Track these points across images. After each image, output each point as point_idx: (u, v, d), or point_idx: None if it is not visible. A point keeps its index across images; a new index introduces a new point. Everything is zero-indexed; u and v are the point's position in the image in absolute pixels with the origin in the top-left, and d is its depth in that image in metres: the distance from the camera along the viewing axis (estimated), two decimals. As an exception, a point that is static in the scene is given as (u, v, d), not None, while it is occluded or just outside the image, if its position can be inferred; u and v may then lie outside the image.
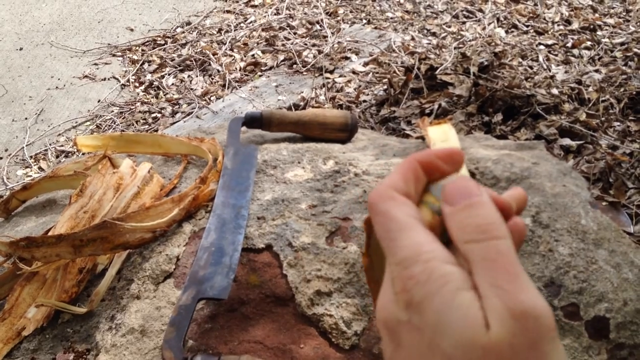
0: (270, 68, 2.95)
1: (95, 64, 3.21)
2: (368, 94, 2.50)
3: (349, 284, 0.76)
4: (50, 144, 2.56)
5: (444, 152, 0.36)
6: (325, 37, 3.18)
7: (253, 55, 3.10)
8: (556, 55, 2.79)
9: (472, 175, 0.91)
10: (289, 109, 2.52)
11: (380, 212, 0.34)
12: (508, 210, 0.36)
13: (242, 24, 3.51)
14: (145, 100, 2.82)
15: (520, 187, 0.86)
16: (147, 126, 2.60)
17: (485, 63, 2.24)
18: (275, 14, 3.57)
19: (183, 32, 3.49)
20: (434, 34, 3.18)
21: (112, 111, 2.76)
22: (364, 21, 3.40)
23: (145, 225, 0.82)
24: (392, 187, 0.35)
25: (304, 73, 2.82)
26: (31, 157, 2.48)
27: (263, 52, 3.11)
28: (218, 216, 0.84)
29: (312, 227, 0.82)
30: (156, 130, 2.53)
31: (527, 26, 3.19)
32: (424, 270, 0.31)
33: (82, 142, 1.10)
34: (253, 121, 1.07)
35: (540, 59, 2.69)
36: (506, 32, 3.13)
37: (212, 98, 2.75)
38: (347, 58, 2.91)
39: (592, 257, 0.78)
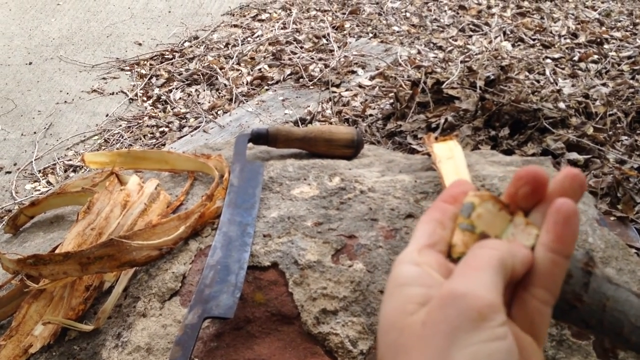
0: (277, 82, 2.96)
1: (104, 78, 3.24)
2: (374, 108, 2.50)
3: (355, 302, 0.76)
4: (58, 158, 2.58)
5: (453, 187, 0.40)
6: (331, 51, 3.20)
7: (260, 69, 3.11)
8: (563, 68, 2.79)
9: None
10: (296, 122, 2.53)
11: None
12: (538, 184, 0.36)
13: (249, 38, 3.54)
14: (153, 115, 2.84)
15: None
16: (154, 140, 2.62)
17: (492, 77, 2.24)
18: (282, 28, 3.59)
19: (191, 47, 3.51)
20: (440, 48, 3.19)
21: (120, 125, 2.78)
22: (371, 35, 3.42)
23: (151, 243, 0.82)
24: (410, 254, 0.37)
25: (311, 87, 2.83)
26: (40, 171, 2.50)
27: (270, 66, 3.13)
28: (224, 234, 0.84)
29: (317, 245, 0.82)
30: (164, 144, 2.54)
31: (534, 40, 3.19)
32: (392, 274, 0.35)
33: (90, 159, 1.10)
34: (259, 138, 1.08)
35: (547, 72, 2.69)
36: (513, 45, 3.14)
37: (219, 112, 2.76)
38: (353, 72, 2.92)
39: (599, 276, 0.78)
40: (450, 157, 0.96)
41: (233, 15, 3.97)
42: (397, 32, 3.44)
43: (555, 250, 0.34)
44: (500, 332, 0.31)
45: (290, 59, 3.16)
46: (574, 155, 1.87)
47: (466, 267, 0.33)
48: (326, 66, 2.99)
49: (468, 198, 0.38)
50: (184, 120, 2.75)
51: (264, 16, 3.87)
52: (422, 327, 0.31)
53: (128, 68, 3.33)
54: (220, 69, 3.14)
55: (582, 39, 3.13)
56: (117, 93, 3.09)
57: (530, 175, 0.36)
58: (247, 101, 2.80)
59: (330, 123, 2.47)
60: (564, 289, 0.36)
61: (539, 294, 0.34)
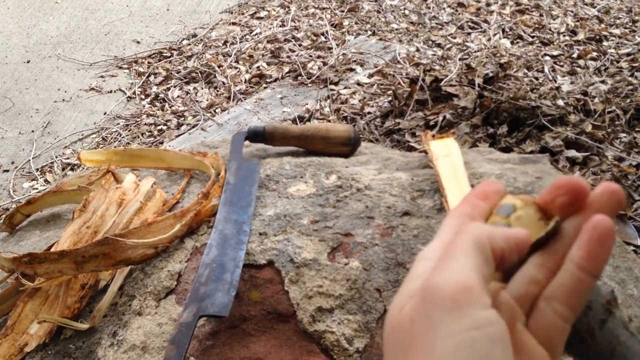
0: (275, 80, 2.95)
1: (102, 77, 3.23)
2: (373, 106, 2.50)
3: (351, 300, 0.76)
4: (56, 157, 2.57)
5: (486, 185, 0.39)
6: (330, 48, 3.19)
7: (258, 67, 3.11)
8: (562, 66, 2.79)
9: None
10: (294, 120, 2.52)
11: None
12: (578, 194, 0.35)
13: (247, 36, 3.53)
14: (151, 113, 2.84)
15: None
16: (152, 138, 2.61)
17: (491, 74, 2.24)
18: (280, 26, 3.58)
19: (189, 45, 3.51)
20: (439, 45, 3.18)
21: (118, 124, 2.78)
22: (369, 33, 3.41)
23: (147, 241, 0.82)
24: (432, 250, 0.36)
25: (309, 85, 2.82)
26: (37, 169, 2.49)
27: (268, 64, 3.13)
28: (220, 232, 0.84)
29: (313, 243, 0.82)
30: (162, 143, 2.54)
31: (533, 37, 3.18)
32: (410, 270, 0.35)
33: (86, 157, 1.10)
34: (256, 136, 1.07)
35: (546, 70, 2.69)
36: (511, 43, 3.13)
37: (217, 110, 2.76)
38: (351, 70, 2.91)
39: (596, 273, 0.77)
40: (447, 155, 0.95)
41: (231, 13, 3.97)
42: (396, 29, 3.44)
43: (584, 268, 0.33)
44: (482, 319, 0.29)
45: (288, 57, 3.15)
46: (572, 153, 1.87)
47: (442, 258, 0.32)
48: (325, 64, 2.98)
49: (510, 199, 0.37)
50: (182, 119, 2.75)
51: (262, 14, 3.86)
52: (410, 323, 0.31)
53: (126, 66, 3.33)
54: (219, 66, 3.13)
55: (581, 36, 3.12)
56: (115, 91, 3.09)
57: (571, 185, 0.35)
58: (245, 99, 2.80)
59: (329, 121, 2.47)
60: (580, 319, 0.35)
61: (560, 309, 0.33)
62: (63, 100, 3.02)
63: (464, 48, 3.08)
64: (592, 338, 0.35)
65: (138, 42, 3.60)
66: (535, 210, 0.36)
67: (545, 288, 0.34)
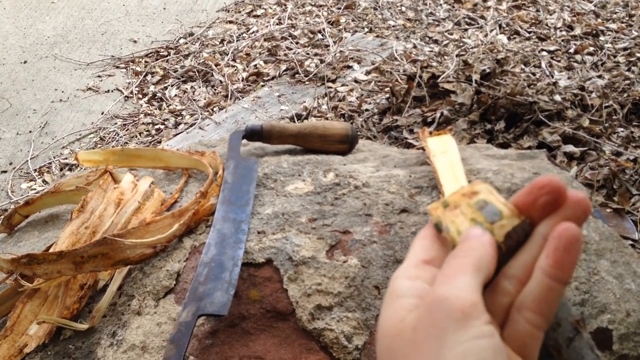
0: (273, 78, 2.95)
1: (99, 76, 3.23)
2: (370, 103, 2.50)
3: (350, 297, 0.76)
4: (54, 157, 2.57)
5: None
6: (327, 46, 3.19)
7: (255, 65, 3.11)
8: (559, 61, 2.79)
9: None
10: (292, 118, 2.52)
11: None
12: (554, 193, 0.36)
13: (244, 35, 3.53)
14: (149, 112, 2.83)
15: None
16: (150, 138, 2.61)
17: (488, 70, 2.24)
18: (277, 24, 3.58)
19: (186, 43, 3.50)
20: (436, 42, 3.18)
21: (116, 123, 2.77)
22: (366, 30, 3.41)
23: (145, 241, 0.82)
24: (407, 269, 0.38)
25: (306, 82, 2.82)
26: (35, 170, 2.49)
27: (265, 62, 3.12)
28: (218, 231, 0.84)
29: (312, 241, 0.82)
30: (159, 142, 2.54)
31: (530, 32, 3.18)
32: (389, 288, 0.37)
33: (84, 157, 1.10)
34: (253, 134, 1.07)
35: (543, 65, 2.69)
36: (508, 38, 3.13)
37: (215, 109, 2.76)
38: (349, 67, 2.91)
39: (594, 268, 0.78)
40: (445, 152, 0.95)
41: (228, 11, 3.96)
42: (393, 26, 3.43)
43: (552, 275, 0.34)
44: (485, 330, 0.32)
45: (285, 55, 3.15)
46: (569, 148, 1.87)
47: (444, 275, 0.34)
48: (322, 61, 2.98)
49: (496, 200, 0.38)
50: (180, 118, 2.74)
51: (259, 12, 3.86)
52: (413, 332, 0.33)
53: (123, 66, 3.32)
54: (216, 65, 3.13)
55: (577, 31, 3.12)
56: (112, 91, 3.08)
57: (553, 185, 0.36)
58: (242, 97, 2.80)
59: (326, 118, 2.47)
60: (548, 335, 0.36)
61: (532, 318, 0.35)
62: (60, 100, 3.02)
63: (461, 44, 3.08)
64: (558, 354, 0.36)
65: (135, 42, 3.60)
66: (520, 223, 0.37)
67: (516, 298, 0.36)
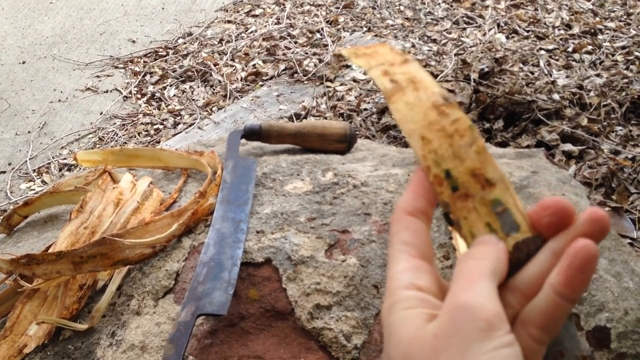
0: (272, 77, 2.95)
1: (98, 76, 3.23)
2: (369, 102, 2.50)
3: (349, 297, 0.76)
4: (53, 157, 2.57)
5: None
6: (325, 45, 3.19)
7: (254, 65, 3.11)
8: (557, 60, 2.79)
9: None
10: (291, 118, 2.52)
11: (389, 237, 0.38)
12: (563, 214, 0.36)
13: (243, 34, 3.53)
14: (148, 112, 2.83)
15: (520, 197, 0.86)
16: (149, 138, 2.61)
17: (486, 69, 2.24)
18: (275, 24, 3.58)
19: (184, 43, 3.50)
20: (434, 41, 3.18)
21: (115, 123, 2.77)
22: (365, 29, 3.41)
23: (144, 241, 0.82)
24: (403, 208, 0.38)
25: (305, 82, 2.82)
26: (34, 170, 2.49)
27: (264, 61, 3.12)
28: (217, 230, 0.84)
29: (311, 240, 0.82)
30: (158, 142, 2.54)
31: (528, 31, 3.19)
32: (388, 296, 0.36)
33: (82, 158, 1.10)
34: (252, 134, 1.08)
35: (541, 64, 2.69)
36: (507, 37, 3.14)
37: (213, 108, 2.76)
38: (347, 66, 2.91)
39: (592, 267, 0.78)
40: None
41: (227, 11, 3.96)
42: (391, 25, 3.44)
43: (562, 294, 0.33)
44: (508, 339, 0.32)
45: (284, 54, 3.15)
46: (568, 147, 1.88)
47: (463, 280, 0.34)
48: (320, 61, 2.98)
49: (515, 209, 0.36)
50: (179, 117, 2.75)
51: (257, 11, 3.86)
52: (434, 339, 0.32)
53: (122, 66, 3.32)
54: (215, 65, 3.13)
55: (576, 29, 3.13)
56: (111, 91, 3.08)
57: (559, 207, 0.35)
58: (241, 97, 2.80)
59: (325, 118, 2.47)
60: None
61: (536, 333, 0.34)
62: (59, 100, 3.01)
63: (460, 43, 3.08)
64: None
65: (133, 42, 3.60)
66: (532, 237, 0.35)
67: (519, 312, 0.35)
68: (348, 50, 0.40)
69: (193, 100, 2.86)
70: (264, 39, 3.38)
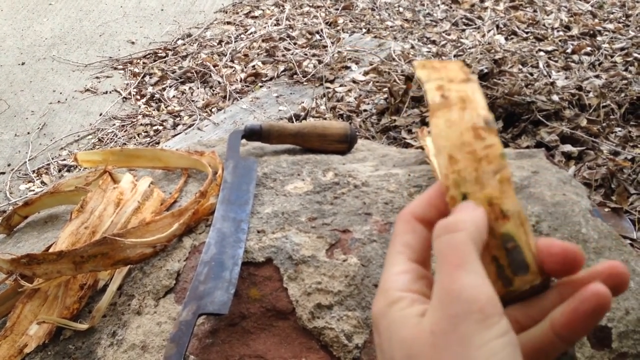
0: (271, 79, 2.96)
1: (97, 78, 3.23)
2: (368, 103, 2.50)
3: (350, 296, 0.76)
4: (52, 158, 2.57)
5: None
6: (325, 47, 3.19)
7: (253, 66, 3.11)
8: (556, 61, 2.79)
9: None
10: (290, 119, 2.53)
11: (392, 235, 0.38)
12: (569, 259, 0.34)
13: (242, 35, 3.53)
14: (147, 113, 2.83)
15: (521, 197, 0.86)
16: (148, 139, 2.61)
17: (485, 70, 2.25)
18: (275, 25, 3.58)
19: (184, 44, 3.51)
20: (433, 42, 3.19)
21: (114, 124, 2.77)
22: (364, 30, 3.41)
23: (145, 240, 0.82)
24: (414, 212, 0.37)
25: (305, 83, 2.83)
26: (34, 171, 2.49)
27: (263, 62, 3.13)
28: (218, 230, 0.84)
29: (312, 240, 0.82)
30: (158, 143, 2.54)
31: (527, 33, 3.19)
32: (383, 297, 0.35)
33: (83, 158, 1.10)
34: (252, 134, 1.08)
35: (540, 65, 2.69)
36: (506, 39, 3.14)
37: (213, 109, 2.76)
38: (347, 67, 2.92)
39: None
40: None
41: (226, 12, 3.96)
42: (391, 27, 3.44)
43: (560, 335, 0.33)
44: (503, 327, 0.31)
45: (283, 56, 3.15)
46: (567, 148, 1.88)
47: (448, 265, 0.32)
48: (320, 62, 2.98)
49: (523, 244, 0.34)
50: (178, 119, 2.75)
51: (257, 13, 3.86)
52: (432, 335, 0.31)
53: (121, 67, 3.32)
54: (214, 66, 3.13)
55: (575, 31, 3.13)
56: (110, 92, 3.08)
57: (567, 254, 0.34)
58: (241, 98, 2.80)
59: (325, 119, 2.47)
60: None
61: None
62: (58, 101, 3.01)
63: (459, 44, 3.08)
64: None
65: (133, 43, 3.60)
66: (542, 281, 0.34)
67: None
68: (420, 62, 0.39)
69: (192, 101, 2.86)
70: (263, 40, 3.38)
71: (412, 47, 3.11)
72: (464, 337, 0.30)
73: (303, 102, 2.64)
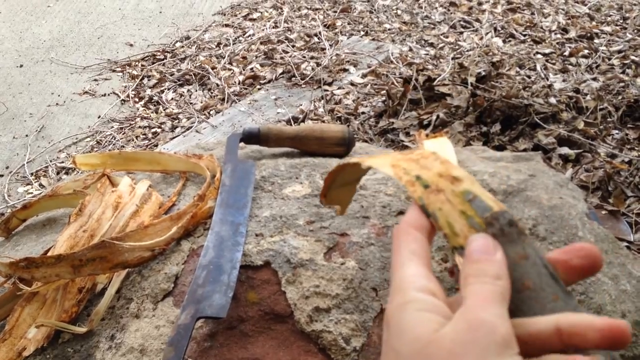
0: (269, 81, 2.96)
1: (95, 80, 3.23)
2: (366, 106, 2.51)
3: (348, 299, 0.77)
4: (50, 161, 2.57)
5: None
6: (323, 49, 3.20)
7: (252, 68, 3.11)
8: (554, 64, 2.80)
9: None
10: (288, 121, 2.53)
11: (395, 246, 0.40)
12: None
13: (240, 38, 3.53)
14: (145, 116, 2.84)
15: (517, 200, 0.87)
16: (147, 141, 2.61)
17: (483, 73, 2.25)
18: (273, 27, 3.59)
19: (182, 47, 3.51)
20: (431, 45, 3.19)
21: (112, 127, 2.77)
22: (362, 33, 3.42)
23: (143, 244, 0.82)
24: (410, 223, 0.40)
25: (303, 86, 2.83)
26: (32, 174, 2.49)
27: (262, 65, 3.13)
28: (216, 234, 0.84)
29: (310, 243, 0.83)
30: (156, 145, 2.54)
31: (525, 35, 3.20)
32: (400, 296, 0.37)
33: (81, 161, 1.10)
34: (251, 137, 1.08)
35: (538, 68, 2.70)
36: (503, 41, 3.15)
37: (211, 112, 2.76)
38: (345, 70, 2.92)
39: (589, 269, 0.78)
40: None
41: (224, 14, 3.97)
42: (389, 29, 3.45)
43: None
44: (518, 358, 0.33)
45: (282, 58, 3.16)
46: (565, 150, 1.88)
47: (478, 299, 0.35)
48: (318, 65, 2.99)
49: (484, 195, 0.39)
50: (177, 121, 2.75)
51: (255, 15, 3.87)
52: (451, 343, 0.34)
53: (119, 69, 3.32)
54: (212, 68, 3.14)
55: (572, 33, 3.14)
56: (108, 94, 3.08)
57: (591, 253, 0.38)
58: (239, 101, 2.80)
59: (323, 121, 2.48)
60: None
61: None
62: (57, 104, 3.01)
63: (457, 47, 3.09)
64: None
65: (131, 45, 3.60)
66: (502, 212, 0.38)
67: None
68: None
69: (191, 103, 2.86)
70: (261, 43, 3.39)
71: (410, 49, 3.12)
72: (482, 352, 0.33)
73: (301, 105, 2.64)
